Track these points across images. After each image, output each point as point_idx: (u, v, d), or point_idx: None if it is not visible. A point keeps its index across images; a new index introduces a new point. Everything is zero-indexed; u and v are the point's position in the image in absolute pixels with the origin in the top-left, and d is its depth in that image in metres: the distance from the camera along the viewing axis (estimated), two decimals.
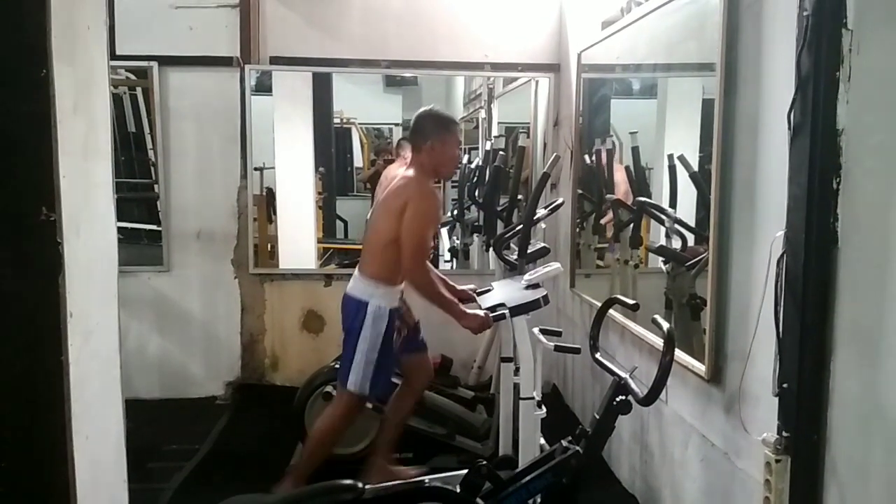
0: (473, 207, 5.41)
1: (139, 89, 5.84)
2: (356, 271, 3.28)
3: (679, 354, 2.63)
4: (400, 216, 3.09)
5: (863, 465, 1.78)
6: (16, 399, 1.68)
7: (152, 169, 5.00)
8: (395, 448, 3.54)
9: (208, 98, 4.73)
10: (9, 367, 1.66)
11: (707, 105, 2.67)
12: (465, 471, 2.30)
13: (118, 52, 4.38)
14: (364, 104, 9.68)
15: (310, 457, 3.29)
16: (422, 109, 3.30)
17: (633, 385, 2.18)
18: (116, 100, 6.17)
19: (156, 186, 4.86)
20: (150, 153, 5.17)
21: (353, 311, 3.19)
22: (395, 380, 3.44)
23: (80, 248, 1.77)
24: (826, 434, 1.88)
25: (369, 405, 3.58)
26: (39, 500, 1.71)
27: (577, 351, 3.14)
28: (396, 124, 10.04)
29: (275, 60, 4.82)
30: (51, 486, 1.71)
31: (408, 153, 6.75)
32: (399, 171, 3.32)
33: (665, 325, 2.16)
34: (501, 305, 3.09)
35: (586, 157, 4.35)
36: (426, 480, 2.71)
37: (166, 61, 4.66)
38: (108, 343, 1.97)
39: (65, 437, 1.69)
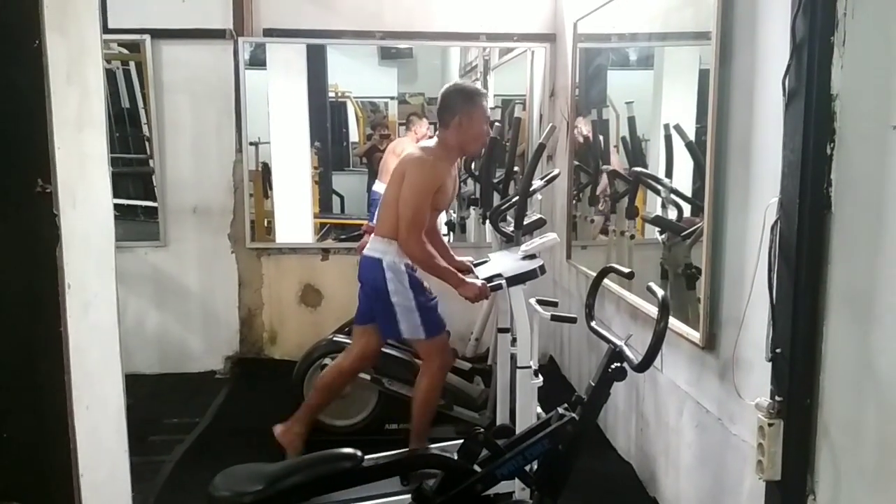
0: (470, 180, 5.41)
1: (132, 64, 5.79)
2: (372, 235, 3.32)
3: (674, 323, 2.65)
4: (401, 184, 3.14)
5: (855, 428, 1.81)
6: (16, 369, 1.70)
7: (147, 144, 4.98)
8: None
9: (202, 72, 4.70)
10: (8, 338, 1.68)
11: (704, 75, 2.66)
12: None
13: (110, 26, 4.34)
14: (359, 78, 9.58)
15: (421, 418, 3.29)
16: (447, 85, 3.28)
17: (627, 352, 2.19)
18: (110, 75, 6.12)
19: (151, 162, 4.84)
20: (145, 128, 5.14)
21: (372, 269, 3.20)
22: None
23: (77, 219, 1.78)
24: (818, 398, 1.90)
25: (364, 376, 3.61)
26: (42, 469, 1.73)
27: (573, 320, 3.15)
28: (392, 98, 9.95)
29: (268, 32, 4.79)
30: (53, 455, 1.73)
31: (419, 129, 6.76)
32: (407, 146, 3.25)
33: (659, 293, 2.16)
34: (498, 276, 3.10)
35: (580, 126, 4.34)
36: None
37: (159, 34, 4.62)
38: (107, 314, 1.98)
39: (65, 406, 1.71)
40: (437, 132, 3.29)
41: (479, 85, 6.65)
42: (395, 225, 3.15)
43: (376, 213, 3.41)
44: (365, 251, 3.29)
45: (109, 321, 2.00)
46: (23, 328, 1.69)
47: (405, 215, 3.08)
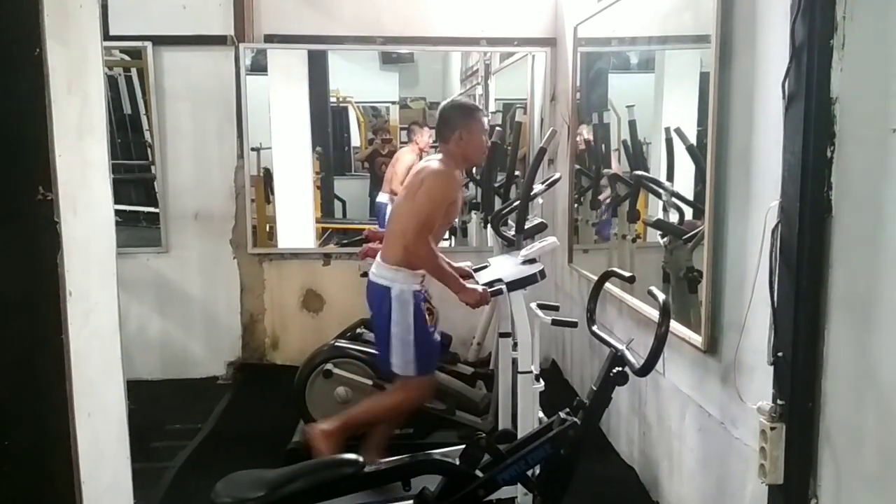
0: (471, 184, 5.41)
1: (134, 70, 5.82)
2: (378, 257, 3.31)
3: (676, 327, 2.65)
4: (414, 198, 3.16)
5: (856, 432, 1.81)
6: (17, 377, 1.70)
7: (149, 150, 4.99)
8: (383, 449, 3.28)
9: (203, 78, 4.70)
10: (10, 345, 1.68)
11: (704, 78, 2.66)
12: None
13: (111, 32, 4.35)
14: (360, 82, 9.63)
15: (354, 422, 3.25)
16: (445, 102, 3.39)
17: (629, 356, 2.19)
18: (111, 81, 6.15)
19: (153, 168, 4.85)
20: (147, 135, 5.15)
21: (379, 297, 3.22)
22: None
23: (78, 227, 1.78)
24: (820, 401, 1.90)
25: (366, 382, 3.60)
26: (44, 476, 1.73)
27: (574, 325, 3.15)
28: (393, 102, 9.99)
29: (269, 38, 4.80)
30: (54, 463, 1.73)
31: (420, 138, 6.74)
32: (408, 155, 3.25)
33: (661, 297, 2.16)
34: (498, 281, 3.10)
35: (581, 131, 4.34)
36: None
37: (160, 41, 4.63)
38: (108, 321, 1.98)
39: (66, 414, 1.71)
40: (438, 148, 3.32)
41: (479, 89, 6.70)
42: (403, 250, 3.15)
43: (385, 229, 3.42)
44: (372, 276, 3.29)
45: (111, 328, 2.01)
46: (24, 335, 1.69)
47: (418, 218, 3.10)
